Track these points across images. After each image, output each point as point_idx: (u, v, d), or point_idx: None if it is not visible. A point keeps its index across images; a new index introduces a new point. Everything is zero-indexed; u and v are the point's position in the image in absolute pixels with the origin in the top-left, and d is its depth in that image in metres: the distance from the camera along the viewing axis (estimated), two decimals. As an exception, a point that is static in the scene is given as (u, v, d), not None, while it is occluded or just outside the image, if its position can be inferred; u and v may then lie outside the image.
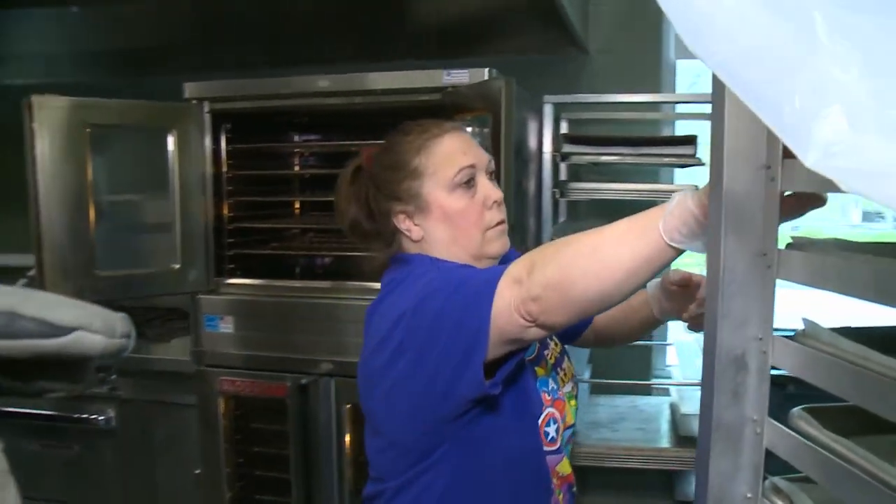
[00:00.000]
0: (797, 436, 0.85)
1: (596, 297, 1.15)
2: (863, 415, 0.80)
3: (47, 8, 2.88)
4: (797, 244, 0.89)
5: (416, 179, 1.47)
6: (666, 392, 3.25)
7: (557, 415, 1.52)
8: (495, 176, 1.83)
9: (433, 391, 1.30)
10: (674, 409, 3.07)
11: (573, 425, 1.60)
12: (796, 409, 0.89)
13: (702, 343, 2.66)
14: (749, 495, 0.90)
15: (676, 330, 3.35)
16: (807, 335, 0.87)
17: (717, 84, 0.86)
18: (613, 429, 2.91)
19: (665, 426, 2.95)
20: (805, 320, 0.88)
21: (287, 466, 2.76)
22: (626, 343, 1.96)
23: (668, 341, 3.38)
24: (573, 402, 1.62)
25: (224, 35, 3.32)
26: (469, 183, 1.48)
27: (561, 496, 1.55)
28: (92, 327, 1.15)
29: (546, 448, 1.49)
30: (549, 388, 1.54)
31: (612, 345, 1.95)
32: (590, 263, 1.15)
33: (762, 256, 0.87)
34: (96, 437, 3.16)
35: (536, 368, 1.53)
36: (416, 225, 1.50)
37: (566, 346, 1.75)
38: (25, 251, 2.50)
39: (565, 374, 1.63)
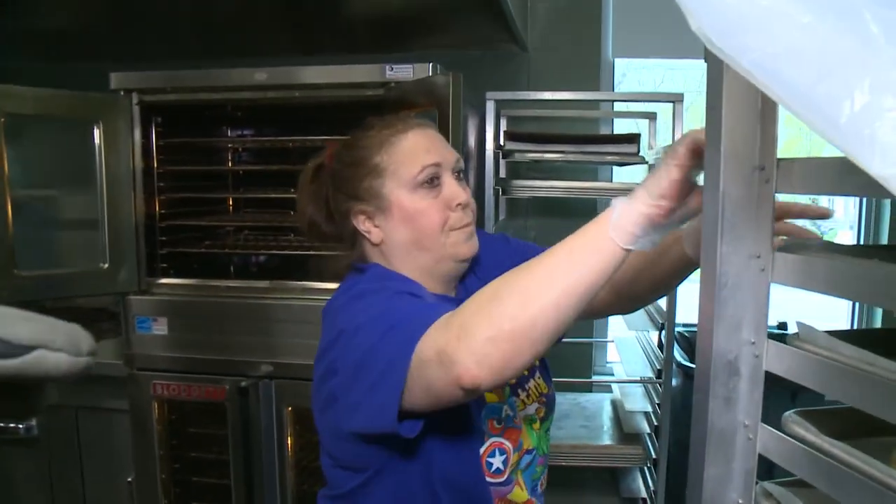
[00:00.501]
0: (791, 440, 0.84)
1: (557, 328, 1.05)
2: (856, 417, 0.80)
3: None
4: (788, 247, 0.88)
5: (377, 178, 1.40)
6: (608, 388, 3.27)
7: (508, 444, 1.45)
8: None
9: (352, 422, 1.24)
10: (616, 405, 3.10)
11: (534, 449, 1.52)
12: (789, 413, 0.88)
13: (640, 339, 2.67)
14: (741, 501, 0.89)
15: (617, 327, 3.38)
16: (801, 339, 0.86)
17: (714, 82, 0.84)
18: (558, 426, 2.90)
19: (608, 423, 2.97)
20: (799, 324, 0.87)
21: (227, 471, 2.69)
22: (657, 296, 1.69)
23: (608, 338, 3.40)
24: (537, 425, 1.53)
25: (154, 22, 3.20)
26: (433, 182, 1.40)
27: None
28: (54, 345, 1.02)
29: (490, 479, 1.43)
30: (502, 414, 1.46)
31: (636, 305, 1.70)
32: (546, 295, 1.03)
33: (756, 259, 0.86)
34: (14, 447, 3.01)
35: (485, 394, 1.44)
36: (376, 226, 1.42)
37: (544, 360, 1.63)
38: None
39: (529, 396, 1.52)
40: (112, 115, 2.62)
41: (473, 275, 1.54)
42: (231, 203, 3.31)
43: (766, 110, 0.85)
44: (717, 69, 0.84)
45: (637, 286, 1.53)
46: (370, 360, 1.17)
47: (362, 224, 1.43)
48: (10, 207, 2.45)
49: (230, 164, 3.28)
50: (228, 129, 3.26)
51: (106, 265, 2.66)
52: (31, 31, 3.29)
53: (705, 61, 0.85)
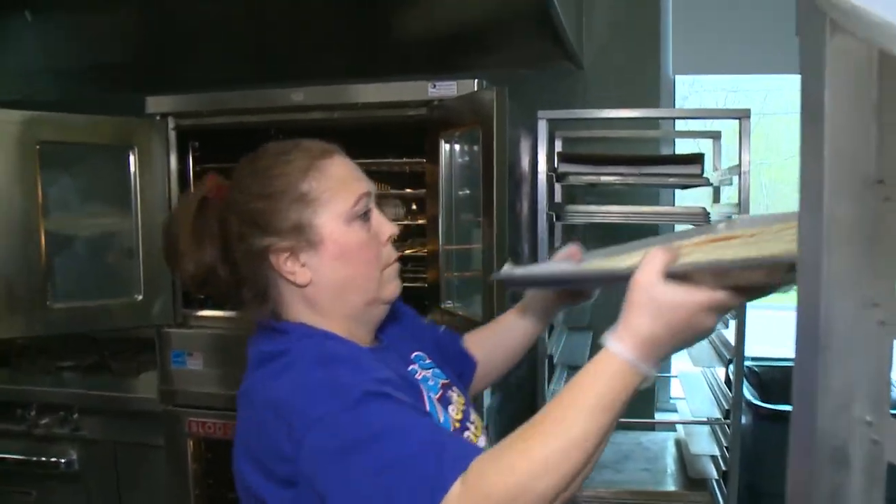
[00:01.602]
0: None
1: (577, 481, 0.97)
2: None
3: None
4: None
5: (306, 208, 1.18)
6: (671, 427, 2.99)
7: None
8: (485, 197, 1.60)
9: None
10: (681, 445, 2.81)
11: None
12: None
13: (706, 375, 2.38)
14: None
15: (681, 362, 3.09)
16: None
17: (812, 68, 0.59)
18: (617, 469, 2.65)
19: (672, 465, 2.69)
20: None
21: None
22: (509, 368, 1.67)
23: (672, 373, 3.11)
24: None
25: (205, 52, 3.09)
26: (366, 215, 1.24)
27: None
28: None
29: None
30: None
31: (492, 379, 1.66)
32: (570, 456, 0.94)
33: (873, 308, 0.60)
34: (57, 481, 2.86)
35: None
36: (302, 265, 1.20)
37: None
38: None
39: (476, 428, 1.36)
40: (147, 140, 2.48)
41: (397, 323, 1.42)
42: None
43: (885, 104, 0.59)
44: (815, 49, 0.59)
45: (491, 362, 1.57)
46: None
47: (284, 264, 1.19)
48: (43, 237, 2.34)
49: None
50: None
51: (140, 297, 2.51)
52: (67, 63, 3.20)
53: (797, 35, 0.60)
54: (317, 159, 1.22)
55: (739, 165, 2.37)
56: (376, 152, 2.65)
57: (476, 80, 2.20)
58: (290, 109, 2.43)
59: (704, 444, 2.58)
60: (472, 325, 2.09)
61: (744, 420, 2.55)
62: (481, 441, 1.36)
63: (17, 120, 2.21)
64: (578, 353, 2.71)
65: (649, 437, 2.96)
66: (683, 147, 3.14)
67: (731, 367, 2.44)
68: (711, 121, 2.88)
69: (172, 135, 2.51)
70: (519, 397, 2.79)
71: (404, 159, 2.60)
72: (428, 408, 1.20)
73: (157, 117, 2.50)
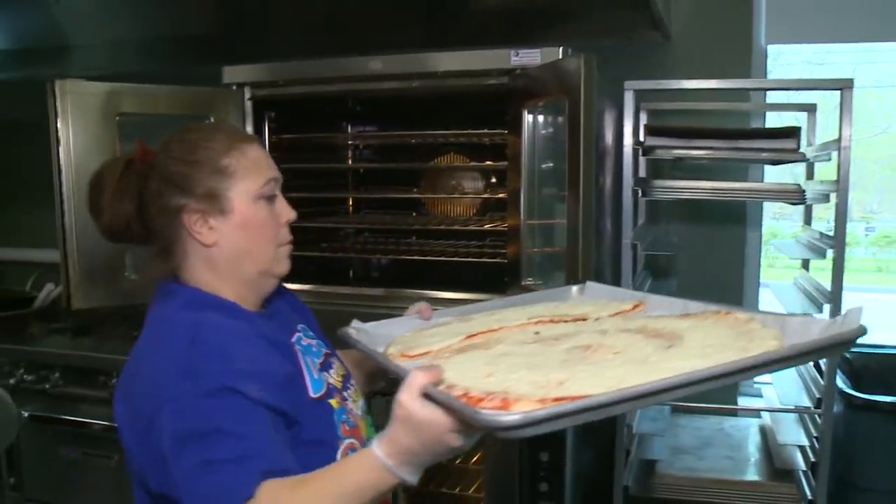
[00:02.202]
0: None
1: None
2: None
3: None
4: None
5: (223, 179, 1.35)
6: (755, 413, 2.87)
7: (356, 442, 1.43)
8: (570, 171, 1.83)
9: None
10: (766, 433, 2.70)
11: (372, 439, 1.29)
12: None
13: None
14: None
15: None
16: None
17: None
18: (699, 456, 2.54)
19: (756, 454, 2.58)
20: None
21: None
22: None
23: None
24: (368, 416, 1.55)
25: (282, 23, 3.05)
26: (272, 198, 1.41)
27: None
28: None
29: None
30: (346, 416, 1.43)
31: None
32: None
33: None
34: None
35: (330, 401, 1.41)
36: (210, 228, 1.35)
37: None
38: (40, 246, 2.28)
39: (356, 391, 1.53)
40: (224, 110, 2.49)
41: (287, 303, 1.57)
42: (351, 203, 3.12)
43: None
44: None
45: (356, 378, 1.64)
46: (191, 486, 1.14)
47: (194, 224, 1.35)
48: None
49: (350, 161, 3.10)
50: (348, 124, 3.08)
51: (217, 268, 2.48)
52: (148, 36, 3.20)
53: None
54: (239, 141, 1.39)
55: (839, 140, 2.24)
56: (455, 123, 2.60)
57: (561, 48, 2.14)
58: (367, 79, 2.40)
59: (792, 433, 2.46)
60: None
61: (835, 409, 2.43)
62: (360, 403, 1.53)
63: (97, 91, 2.23)
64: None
65: (731, 422, 2.85)
66: (772, 122, 2.99)
67: (825, 352, 2.32)
68: (804, 94, 2.74)
69: (248, 105, 2.51)
70: None
71: (484, 130, 2.54)
72: (304, 370, 1.37)
73: (234, 87, 2.49)
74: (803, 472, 2.42)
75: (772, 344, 1.14)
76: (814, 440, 2.34)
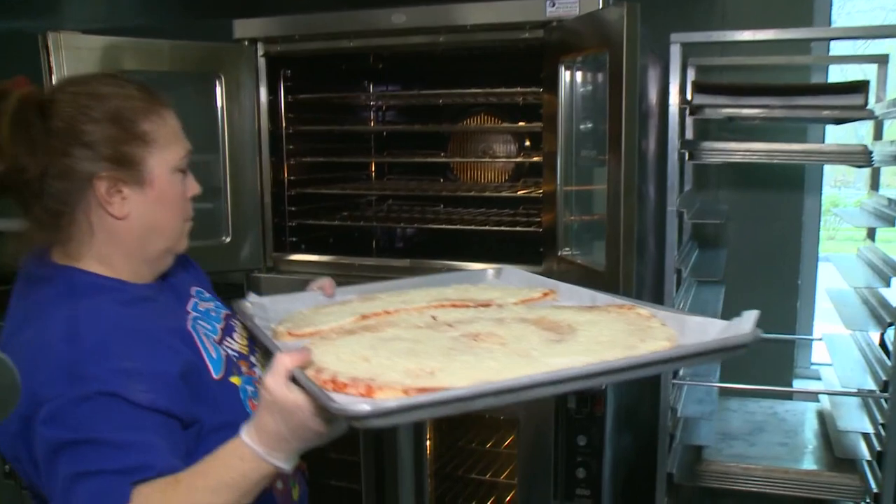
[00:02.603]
0: None
1: None
2: None
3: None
4: None
5: (143, 147, 1.28)
6: (813, 397, 2.78)
7: None
8: (611, 132, 1.76)
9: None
10: (825, 419, 2.61)
11: None
12: None
13: (859, 338, 2.18)
14: None
15: (827, 323, 2.86)
16: None
17: None
18: (750, 442, 2.49)
19: (813, 441, 2.49)
20: None
21: (357, 474, 2.46)
22: None
23: (815, 335, 2.89)
24: None
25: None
26: (183, 171, 1.37)
27: (296, 489, 1.50)
28: None
29: None
30: (253, 388, 1.40)
31: None
32: None
33: None
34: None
35: (232, 380, 1.36)
36: (123, 199, 1.28)
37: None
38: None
39: (258, 362, 1.49)
40: (235, 68, 2.40)
41: (182, 269, 1.52)
42: (373, 168, 3.08)
43: None
44: None
45: None
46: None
47: (105, 193, 1.26)
48: None
49: (372, 123, 3.05)
50: (370, 83, 3.02)
51: (228, 239, 2.45)
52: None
53: None
54: (156, 104, 1.32)
55: (915, 95, 2.13)
56: (486, 81, 2.52)
57: (601, -4, 2.04)
58: (390, 33, 2.32)
59: (854, 419, 2.38)
60: (592, 275, 1.98)
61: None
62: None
63: (97, 46, 2.14)
64: (709, 309, 2.53)
65: (786, 406, 2.77)
66: (835, 77, 2.86)
67: (891, 330, 2.22)
68: (874, 44, 2.61)
69: (262, 62, 2.44)
70: None
71: (517, 89, 2.45)
72: (203, 352, 1.32)
73: (245, 42, 2.42)
74: (867, 461, 2.34)
75: (662, 344, 1.19)
76: (879, 427, 2.26)
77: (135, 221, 1.29)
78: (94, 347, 1.17)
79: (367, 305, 1.50)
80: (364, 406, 0.94)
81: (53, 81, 2.04)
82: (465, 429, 2.62)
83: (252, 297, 1.53)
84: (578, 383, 1.06)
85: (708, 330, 1.23)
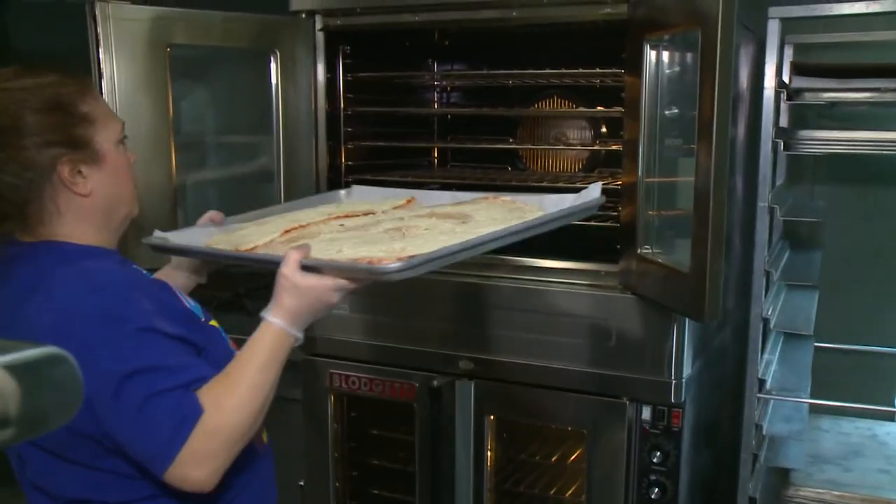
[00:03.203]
0: None
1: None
2: None
3: None
4: None
5: (88, 126, 1.45)
6: (917, 417, 2.72)
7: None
8: (701, 119, 1.81)
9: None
10: (932, 444, 2.53)
11: None
12: None
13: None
14: None
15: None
16: None
17: None
18: (844, 467, 2.44)
19: (920, 468, 2.43)
20: None
21: (412, 486, 2.48)
22: None
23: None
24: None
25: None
26: (123, 142, 1.53)
27: (265, 433, 1.71)
28: None
29: None
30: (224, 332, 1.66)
31: None
32: (253, 407, 1.36)
33: None
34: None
35: (213, 323, 1.62)
36: (84, 178, 1.45)
37: None
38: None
39: None
40: (291, 43, 2.44)
41: None
42: (436, 154, 3.08)
43: None
44: None
45: None
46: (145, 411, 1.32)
47: (68, 175, 1.42)
48: (174, 156, 2.34)
49: (436, 105, 3.05)
50: (434, 62, 3.02)
51: (280, 224, 2.45)
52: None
53: None
54: (86, 86, 1.50)
55: None
56: (561, 61, 2.52)
57: (694, -30, 1.98)
58: (459, 6, 2.32)
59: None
60: (675, 276, 1.95)
61: None
62: None
63: (145, 17, 2.18)
64: (801, 316, 2.47)
65: (888, 429, 2.72)
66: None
67: None
68: None
69: (320, 37, 2.44)
70: (723, 365, 2.62)
71: (596, 70, 2.44)
72: (185, 303, 1.57)
73: (303, 15, 2.42)
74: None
75: (539, 214, 1.68)
76: None
77: (98, 196, 1.46)
78: (119, 295, 1.39)
79: (271, 226, 1.73)
80: (397, 264, 1.29)
81: (101, 54, 2.11)
82: (528, 441, 2.60)
83: (157, 234, 1.68)
84: (527, 233, 1.56)
85: (565, 201, 1.74)
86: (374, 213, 1.80)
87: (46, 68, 1.48)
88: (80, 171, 1.43)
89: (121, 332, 1.33)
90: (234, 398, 1.35)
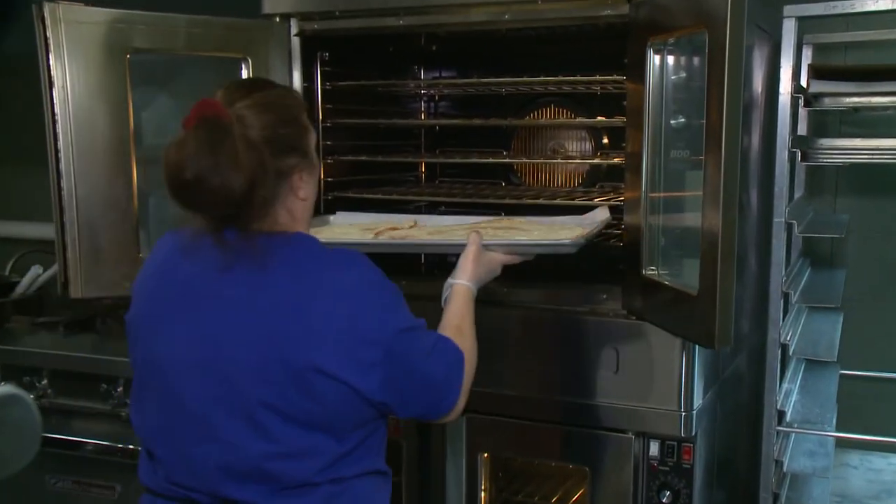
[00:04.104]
0: None
1: None
2: None
3: None
4: None
5: (309, 136, 1.72)
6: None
7: None
8: (709, 128, 1.85)
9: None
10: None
11: None
12: None
13: None
14: None
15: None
16: None
17: None
18: (882, 503, 2.46)
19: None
20: None
21: None
22: None
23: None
24: None
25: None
26: None
27: None
28: None
29: None
30: None
31: None
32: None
33: None
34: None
35: None
36: (305, 183, 1.70)
37: None
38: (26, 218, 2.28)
39: None
40: (263, 48, 2.46)
41: None
42: (423, 169, 3.12)
43: None
44: None
45: None
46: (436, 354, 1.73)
47: (298, 181, 1.68)
48: (135, 172, 2.35)
49: (423, 116, 3.09)
50: (421, 69, 3.07)
51: (252, 250, 2.46)
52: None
53: None
54: (301, 98, 1.85)
55: None
56: (558, 67, 2.53)
57: (701, -34, 2.01)
58: (447, 9, 2.36)
59: None
60: (683, 299, 1.96)
61: None
62: None
63: (100, 20, 2.20)
64: (824, 341, 2.48)
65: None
66: None
67: None
68: None
69: (296, 42, 2.48)
70: (738, 394, 2.62)
71: (596, 77, 2.45)
72: None
73: (277, 18, 2.46)
74: None
75: (578, 231, 2.17)
76: None
77: (309, 200, 1.74)
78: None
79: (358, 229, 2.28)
80: (568, 240, 2.05)
81: (51, 60, 2.14)
82: (525, 479, 2.62)
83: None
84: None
85: (582, 222, 2.28)
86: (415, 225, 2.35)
87: (268, 81, 1.80)
88: (302, 178, 1.69)
89: (400, 298, 1.71)
90: (469, 341, 1.82)
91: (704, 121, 1.87)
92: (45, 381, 2.76)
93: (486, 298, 2.31)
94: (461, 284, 1.92)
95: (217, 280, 1.61)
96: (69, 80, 2.18)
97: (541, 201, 2.62)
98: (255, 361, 1.56)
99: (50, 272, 3.25)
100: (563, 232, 2.16)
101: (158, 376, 1.64)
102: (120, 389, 2.73)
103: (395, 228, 2.26)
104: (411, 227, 2.30)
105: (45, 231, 2.43)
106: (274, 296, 1.59)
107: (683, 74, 2.14)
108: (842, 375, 2.65)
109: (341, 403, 1.60)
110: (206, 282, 1.62)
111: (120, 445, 2.76)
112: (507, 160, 2.90)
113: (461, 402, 1.75)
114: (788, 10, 2.25)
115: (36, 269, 3.32)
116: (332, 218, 2.41)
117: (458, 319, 1.86)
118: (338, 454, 1.65)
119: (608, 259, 2.32)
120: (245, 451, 1.57)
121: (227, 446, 1.57)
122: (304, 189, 1.70)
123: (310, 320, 1.58)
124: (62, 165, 2.21)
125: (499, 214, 2.87)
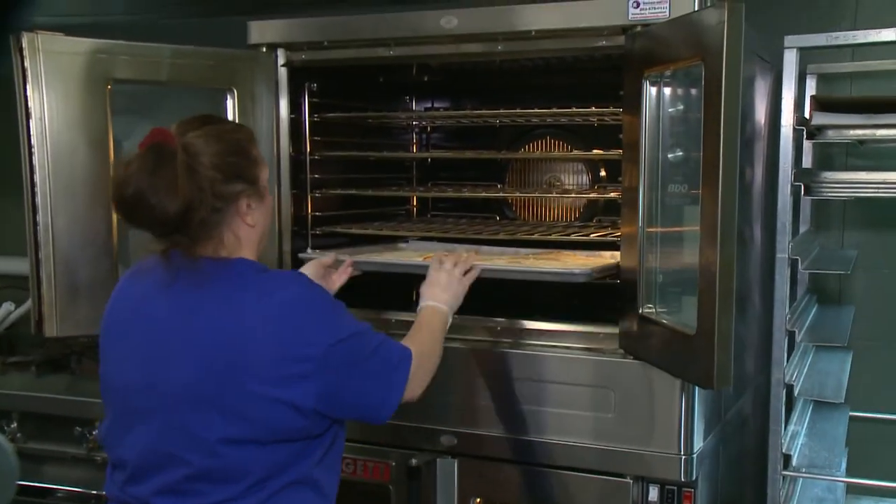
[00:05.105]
0: None
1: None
2: None
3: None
4: None
5: (259, 167, 1.86)
6: None
7: None
8: (707, 162, 1.91)
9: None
10: None
11: None
12: None
13: None
14: None
15: None
16: None
17: None
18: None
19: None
20: None
21: None
22: None
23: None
24: None
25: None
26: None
27: None
28: None
29: None
30: None
31: None
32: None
33: None
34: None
35: None
36: (253, 210, 1.84)
37: None
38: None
39: None
40: (249, 79, 2.48)
41: None
42: (415, 203, 3.13)
43: None
44: None
45: None
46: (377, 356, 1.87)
47: (246, 207, 1.82)
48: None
49: (414, 148, 3.10)
50: (412, 100, 3.08)
51: (238, 285, 2.49)
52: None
53: None
54: (251, 133, 1.93)
55: None
56: (553, 99, 2.57)
57: (697, -5, 2.07)
58: (439, 40, 2.37)
59: None
60: (681, 338, 1.98)
61: None
62: None
63: (81, 50, 2.22)
64: (832, 381, 2.50)
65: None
66: None
67: None
68: None
69: (283, 73, 2.51)
70: (742, 437, 2.64)
71: (592, 108, 2.49)
72: None
73: (263, 49, 2.48)
74: None
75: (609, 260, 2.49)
76: None
77: (258, 227, 1.88)
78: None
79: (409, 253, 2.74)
80: (583, 270, 2.30)
81: (29, 91, 2.18)
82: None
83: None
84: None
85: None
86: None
87: (222, 118, 2.07)
88: (250, 205, 1.83)
89: (338, 310, 1.84)
90: (418, 346, 1.95)
91: (702, 154, 1.90)
92: (14, 425, 2.77)
93: (479, 337, 2.38)
94: (434, 307, 2.16)
95: (159, 301, 1.77)
96: (47, 111, 2.20)
97: (536, 237, 2.65)
98: (191, 379, 1.70)
99: (22, 309, 3.28)
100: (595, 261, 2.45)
101: (112, 393, 1.80)
102: (95, 433, 2.72)
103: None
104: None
105: (18, 266, 2.43)
106: (208, 318, 1.73)
107: (680, 107, 2.18)
108: (851, 417, 2.66)
109: (277, 421, 1.71)
110: (150, 303, 1.78)
111: (94, 492, 2.78)
112: (501, 194, 2.91)
113: (417, 394, 1.92)
114: (789, 40, 2.29)
115: (7, 306, 3.35)
116: (402, 245, 2.79)
117: (413, 330, 2.07)
118: (270, 466, 1.74)
119: (605, 296, 2.34)
120: (184, 463, 1.69)
121: (169, 458, 1.70)
122: (252, 216, 1.84)
123: (242, 341, 1.71)
124: (38, 199, 2.22)
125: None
